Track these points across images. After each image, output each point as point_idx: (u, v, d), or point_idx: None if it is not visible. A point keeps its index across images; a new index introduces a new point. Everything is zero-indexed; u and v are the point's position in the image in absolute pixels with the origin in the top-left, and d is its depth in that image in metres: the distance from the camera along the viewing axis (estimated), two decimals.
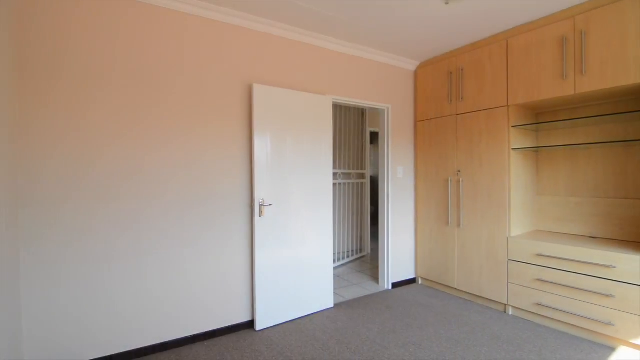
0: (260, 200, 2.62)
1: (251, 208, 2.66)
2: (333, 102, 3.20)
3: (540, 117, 3.16)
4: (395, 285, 3.60)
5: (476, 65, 3.16)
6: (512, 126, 2.93)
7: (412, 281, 3.75)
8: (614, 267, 2.30)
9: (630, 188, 2.63)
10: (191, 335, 2.42)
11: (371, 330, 2.61)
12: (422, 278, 3.74)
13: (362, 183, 5.02)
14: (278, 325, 2.71)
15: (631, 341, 2.24)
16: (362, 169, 5.01)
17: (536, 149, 3.12)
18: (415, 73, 3.78)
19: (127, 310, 2.21)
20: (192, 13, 2.41)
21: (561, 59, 2.60)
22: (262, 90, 2.62)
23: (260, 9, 2.51)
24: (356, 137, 4.94)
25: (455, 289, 3.38)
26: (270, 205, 2.66)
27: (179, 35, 2.38)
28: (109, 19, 2.14)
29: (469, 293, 3.27)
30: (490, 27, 2.89)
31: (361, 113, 5.02)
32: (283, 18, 2.67)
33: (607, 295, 2.34)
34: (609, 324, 2.32)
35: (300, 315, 2.84)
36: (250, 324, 2.66)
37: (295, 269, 2.81)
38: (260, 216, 2.61)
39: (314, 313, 2.92)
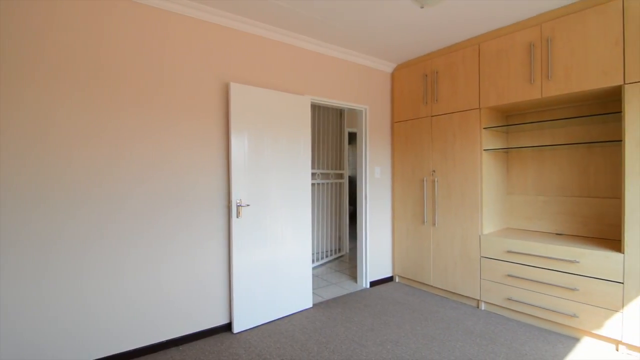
0: (238, 201, 2.58)
1: (228, 209, 2.62)
2: (311, 102, 3.20)
3: (510, 119, 3.29)
4: (373, 283, 3.65)
5: (450, 69, 3.25)
6: (484, 128, 3.04)
7: (389, 279, 3.81)
8: (578, 262, 2.43)
9: (592, 187, 2.79)
10: (166, 340, 2.36)
11: (350, 329, 2.63)
12: (399, 276, 3.81)
13: (340, 183, 5.05)
14: (256, 327, 2.68)
15: (593, 332, 2.38)
16: (340, 169, 5.04)
17: (506, 150, 3.24)
18: (392, 75, 3.84)
19: (99, 315, 2.12)
20: (168, 9, 2.35)
21: (529, 64, 2.72)
22: (239, 89, 2.59)
23: (238, 7, 2.48)
24: (335, 138, 4.97)
25: (431, 286, 3.46)
26: (247, 205, 2.63)
27: (155, 32, 2.31)
28: (73, 12, 2.04)
29: (444, 290, 3.36)
30: (463, 31, 2.98)
31: (340, 114, 5.06)
32: (262, 17, 2.65)
33: (571, 289, 2.46)
34: (574, 316, 2.44)
35: (279, 317, 2.83)
36: (227, 327, 2.62)
37: (274, 269, 2.80)
38: (237, 217, 2.58)
39: (293, 314, 2.92)
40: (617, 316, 2.29)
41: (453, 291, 3.23)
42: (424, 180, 3.49)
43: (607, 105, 2.70)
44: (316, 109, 4.63)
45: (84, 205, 2.07)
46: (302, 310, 2.98)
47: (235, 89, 2.57)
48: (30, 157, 1.92)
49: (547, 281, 2.58)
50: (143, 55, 2.27)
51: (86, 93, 2.08)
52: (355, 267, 4.35)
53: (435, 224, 3.38)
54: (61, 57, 2.00)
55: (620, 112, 2.38)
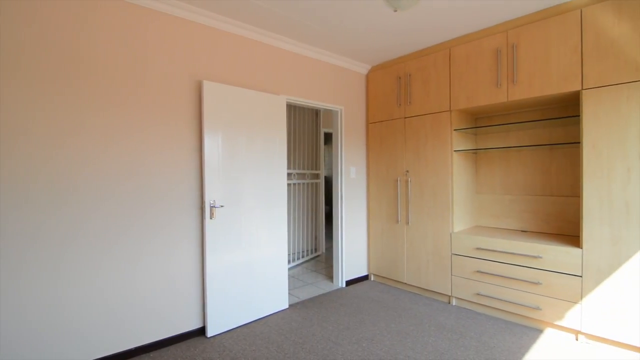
0: (211, 202, 2.53)
1: (201, 210, 2.56)
2: (287, 102, 3.19)
3: (479, 121, 3.42)
4: (349, 283, 3.68)
5: (423, 72, 3.34)
6: (454, 129, 3.14)
7: (365, 278, 3.86)
8: (541, 258, 2.56)
9: (554, 186, 2.95)
10: (136, 347, 2.27)
11: (326, 328, 2.64)
12: (374, 275, 3.87)
13: (316, 183, 5.06)
14: (231, 330, 2.64)
15: (555, 323, 2.52)
16: (316, 169, 5.05)
17: (475, 151, 3.37)
18: (367, 76, 3.89)
19: (67, 322, 2.01)
20: (140, 4, 2.26)
21: (496, 69, 2.84)
22: (212, 87, 2.54)
23: (214, 5, 2.43)
24: (311, 138, 4.97)
25: (405, 283, 3.54)
26: (221, 206, 2.58)
27: (126, 29, 2.21)
28: (31, 3, 1.93)
29: (417, 287, 3.44)
30: (435, 36, 3.07)
31: (315, 114, 5.07)
32: (238, 15, 2.61)
33: (535, 283, 2.60)
34: (537, 308, 2.58)
35: (255, 319, 2.79)
36: (201, 331, 2.56)
37: (249, 271, 2.76)
38: (211, 218, 2.53)
39: (269, 315, 2.89)
40: (576, 308, 2.43)
41: (426, 288, 3.32)
42: (397, 180, 3.57)
43: (567, 109, 2.87)
44: (292, 109, 4.62)
45: (59, 207, 1.96)
46: (278, 312, 2.96)
47: (208, 87, 2.51)
48: (6, 156, 1.79)
49: (513, 276, 2.71)
50: (115, 52, 2.18)
51: (66, 93, 1.96)
52: (332, 266, 4.37)
53: (408, 223, 3.46)
54: (25, 52, 1.88)
55: (579, 116, 2.53)
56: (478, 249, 2.92)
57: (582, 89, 2.40)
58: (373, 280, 3.84)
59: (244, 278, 2.72)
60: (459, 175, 3.19)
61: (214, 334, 2.55)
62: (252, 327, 2.67)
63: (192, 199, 2.53)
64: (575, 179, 2.84)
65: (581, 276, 2.41)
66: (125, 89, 2.24)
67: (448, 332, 2.57)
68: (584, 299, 2.40)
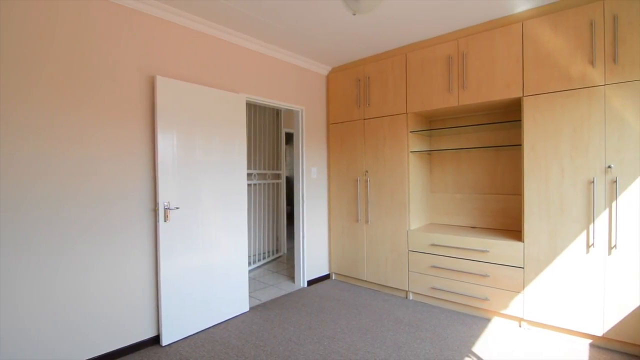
0: (166, 204, 2.42)
1: (155, 213, 2.44)
2: (247, 101, 3.13)
3: (433, 124, 3.59)
4: (310, 282, 3.70)
5: (381, 75, 3.44)
6: (410, 131, 3.27)
7: (326, 277, 3.90)
8: (488, 251, 2.75)
9: (499, 185, 3.18)
10: (88, 359, 2.11)
11: (287, 329, 2.63)
12: (335, 273, 3.92)
13: (278, 183, 5.02)
14: (188, 337, 2.54)
15: (502, 312, 2.71)
16: (277, 169, 5.01)
17: (429, 152, 3.53)
18: (328, 77, 3.93)
19: (18, 333, 1.81)
20: None
21: (448, 75, 3.00)
22: (167, 83, 2.42)
23: None
24: (272, 138, 4.92)
25: (365, 280, 3.62)
26: (177, 208, 2.47)
27: (74, 19, 2.04)
28: None
29: (376, 283, 3.54)
30: (392, 41, 3.17)
31: (276, 114, 5.03)
32: (196, 10, 2.51)
33: (483, 276, 2.78)
34: (485, 299, 2.76)
35: (214, 324, 2.71)
36: (156, 340, 2.44)
37: (207, 275, 2.67)
38: (165, 221, 2.41)
39: (229, 319, 2.82)
40: (519, 297, 2.64)
41: (385, 284, 3.43)
42: (357, 180, 3.64)
43: (511, 114, 3.10)
44: (252, 108, 4.54)
45: (7, 216, 1.75)
46: (238, 315, 2.90)
47: (162, 83, 2.40)
48: None
49: (464, 270, 2.88)
50: (62, 45, 1.99)
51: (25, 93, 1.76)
52: (293, 267, 4.36)
53: (368, 222, 3.55)
54: None
55: (520, 120, 2.75)
56: (432, 245, 3.06)
57: (523, 96, 2.61)
58: (334, 279, 3.89)
59: (201, 282, 2.63)
60: (414, 175, 3.33)
61: (170, 342, 2.43)
62: (211, 333, 2.59)
63: (146, 201, 2.39)
64: (518, 178, 3.08)
65: (523, 267, 2.62)
66: (70, 83, 2.07)
67: (405, 326, 2.67)
68: (526, 289, 2.61)
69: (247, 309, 2.98)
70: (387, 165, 3.41)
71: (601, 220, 2.32)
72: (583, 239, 2.39)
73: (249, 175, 4.40)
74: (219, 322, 2.75)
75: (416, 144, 3.36)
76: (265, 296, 3.36)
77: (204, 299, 2.64)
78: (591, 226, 2.36)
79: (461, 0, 2.47)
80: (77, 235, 2.09)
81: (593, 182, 2.34)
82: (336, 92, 3.83)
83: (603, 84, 2.32)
